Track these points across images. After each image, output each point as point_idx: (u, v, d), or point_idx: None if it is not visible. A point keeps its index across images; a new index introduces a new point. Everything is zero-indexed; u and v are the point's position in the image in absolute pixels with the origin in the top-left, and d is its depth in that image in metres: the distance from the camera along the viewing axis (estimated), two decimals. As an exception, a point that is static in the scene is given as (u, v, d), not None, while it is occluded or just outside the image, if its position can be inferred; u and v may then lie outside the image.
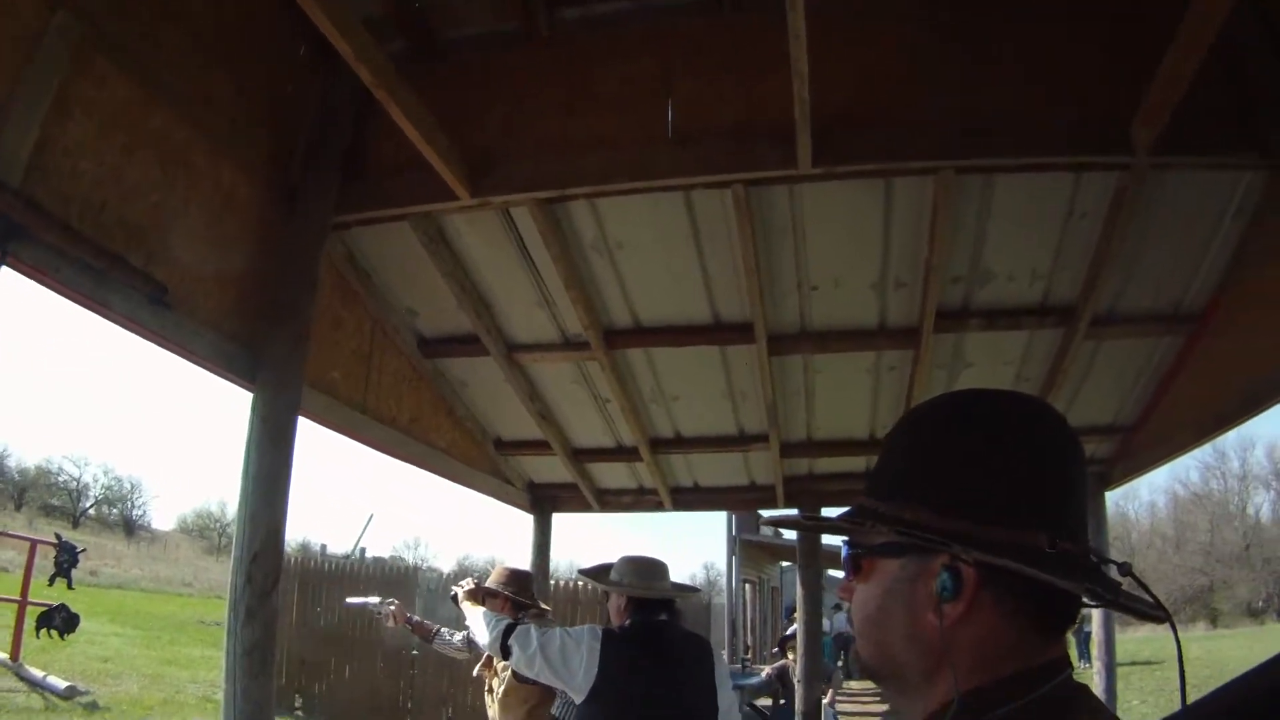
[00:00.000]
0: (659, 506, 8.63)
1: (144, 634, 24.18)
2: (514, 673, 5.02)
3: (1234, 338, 5.14)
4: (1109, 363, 5.99)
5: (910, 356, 5.75)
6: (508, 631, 4.37)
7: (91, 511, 67.97)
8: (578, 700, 4.24)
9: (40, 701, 13.95)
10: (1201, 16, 3.19)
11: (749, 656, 23.20)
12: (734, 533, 24.75)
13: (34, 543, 17.83)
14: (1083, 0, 4.08)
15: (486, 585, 5.55)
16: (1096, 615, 7.98)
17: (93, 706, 14.33)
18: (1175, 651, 1.14)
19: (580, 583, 16.36)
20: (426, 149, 3.94)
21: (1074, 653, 27.44)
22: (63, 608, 16.61)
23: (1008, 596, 1.15)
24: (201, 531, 74.14)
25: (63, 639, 16.82)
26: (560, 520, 8.97)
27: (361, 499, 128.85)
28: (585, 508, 8.79)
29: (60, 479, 66.73)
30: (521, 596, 5.56)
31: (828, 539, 1.38)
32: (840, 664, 28.05)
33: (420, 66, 4.47)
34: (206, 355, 3.99)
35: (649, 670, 4.22)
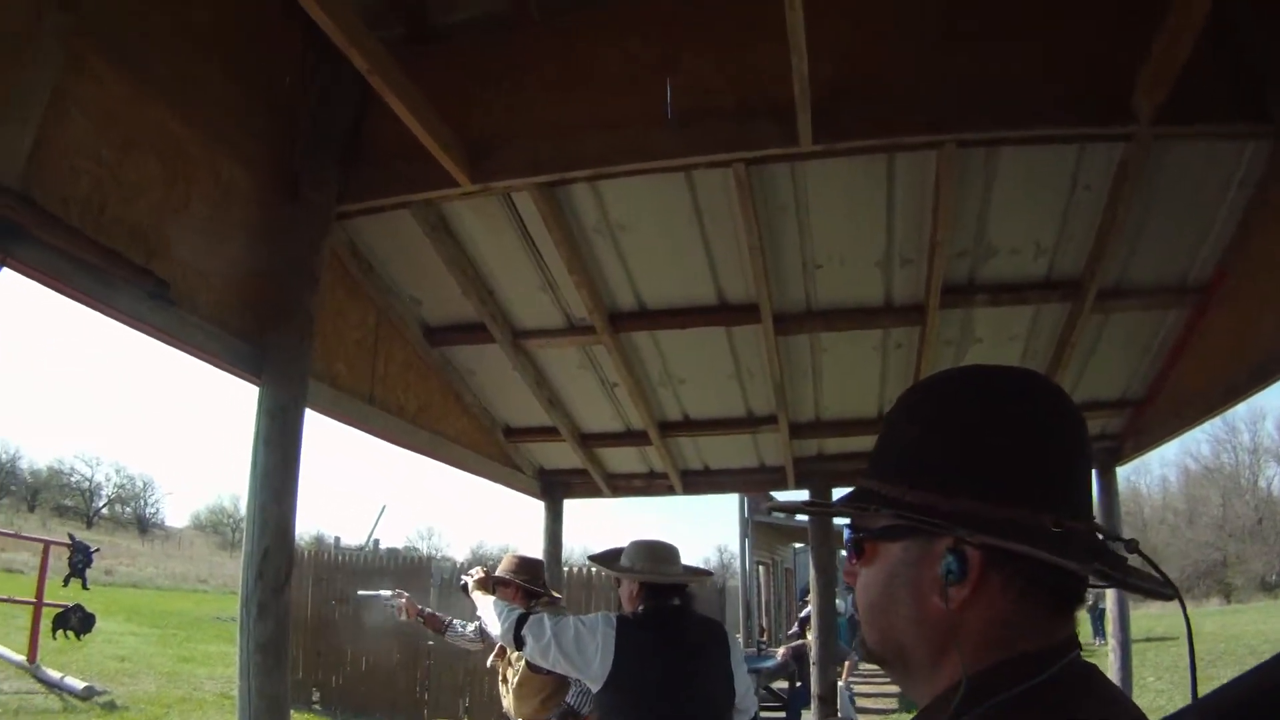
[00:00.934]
0: (670, 490, 8.62)
1: (160, 632, 24.30)
2: (528, 663, 5.00)
3: (1242, 308, 5.11)
4: (1116, 336, 5.97)
5: (917, 333, 5.72)
6: (520, 621, 4.35)
7: (105, 511, 68.35)
8: (594, 689, 4.23)
9: (59, 702, 14.02)
10: (1200, -18, 3.17)
11: (764, 639, 23.16)
12: (746, 515, 24.70)
13: (47, 544, 17.87)
14: (1084, -30, 4.03)
15: (497, 574, 5.55)
16: (1111, 592, 7.95)
17: (111, 706, 14.42)
18: (1194, 627, 1.12)
19: (594, 569, 16.38)
20: (424, 135, 3.91)
21: (1089, 630, 27.53)
22: (78, 608, 16.65)
23: (1015, 578, 1.13)
24: (215, 527, 74.47)
25: (79, 639, 16.85)
26: (572, 506, 8.97)
27: (374, 491, 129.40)
28: (596, 493, 8.79)
29: (73, 479, 67.10)
30: (533, 584, 5.55)
31: (840, 519, 1.36)
32: (855, 645, 28.08)
33: (416, 52, 4.44)
34: (211, 350, 3.97)
35: (665, 656, 4.21)
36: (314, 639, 17.60)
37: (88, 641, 17.38)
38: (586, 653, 4.15)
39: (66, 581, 18.03)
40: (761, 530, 25.94)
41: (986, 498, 1.15)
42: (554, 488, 8.88)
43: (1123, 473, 7.91)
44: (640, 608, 4.39)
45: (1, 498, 57.60)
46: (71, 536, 18.98)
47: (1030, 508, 1.14)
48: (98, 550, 19.68)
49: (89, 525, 59.57)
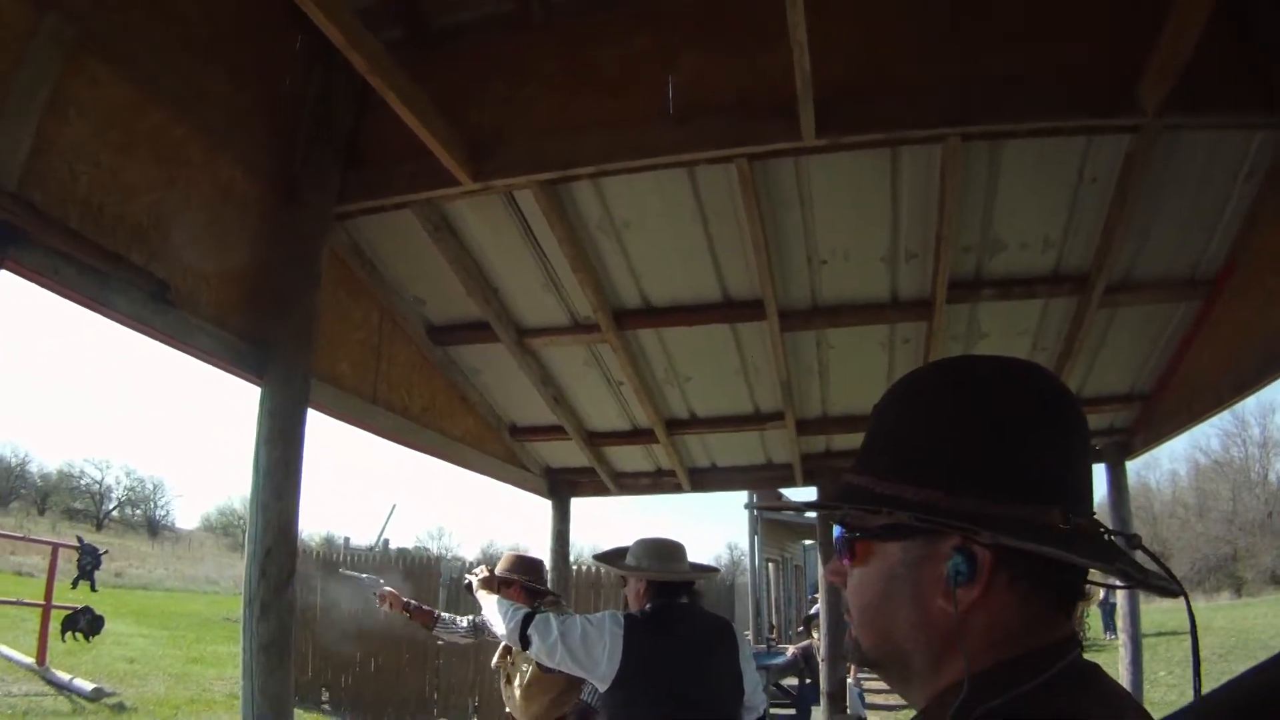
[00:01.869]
0: (677, 488, 8.61)
1: (169, 633, 24.38)
2: (538, 664, 4.97)
3: (1251, 301, 5.06)
4: (1125, 330, 5.93)
5: (924, 329, 5.69)
6: (526, 621, 4.33)
7: (115, 513, 68.68)
8: (601, 688, 4.20)
9: (68, 704, 14.07)
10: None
11: (773, 636, 23.19)
12: (754, 512, 24.73)
13: (56, 546, 17.94)
14: (1087, -41, 4.00)
15: (498, 573, 5.52)
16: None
17: (120, 707, 14.46)
18: (1205, 621, 1.11)
19: (602, 568, 16.36)
20: (425, 134, 3.91)
21: (1100, 625, 27.49)
22: (87, 610, 16.76)
23: (1023, 578, 1.11)
24: (225, 529, 74.73)
25: (88, 641, 16.98)
26: (581, 505, 8.97)
27: (384, 491, 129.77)
28: (603, 491, 8.78)
29: (83, 482, 67.41)
30: (536, 583, 5.54)
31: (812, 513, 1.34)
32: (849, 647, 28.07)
33: (417, 53, 4.45)
34: (212, 351, 3.97)
35: (673, 654, 4.18)
36: (323, 639, 17.62)
37: (97, 643, 17.51)
38: (594, 652, 4.12)
39: (75, 584, 18.15)
40: (771, 527, 26.02)
41: (992, 495, 1.11)
42: (561, 486, 8.87)
43: (1132, 467, 7.88)
44: (647, 606, 4.38)
45: (11, 501, 57.91)
46: (80, 539, 19.11)
47: (1037, 505, 1.11)
48: (106, 552, 19.79)
49: (99, 528, 59.86)
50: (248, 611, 3.98)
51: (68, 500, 64.48)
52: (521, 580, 5.48)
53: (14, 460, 62.75)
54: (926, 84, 3.98)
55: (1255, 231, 4.81)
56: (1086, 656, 1.17)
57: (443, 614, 6.17)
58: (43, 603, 16.20)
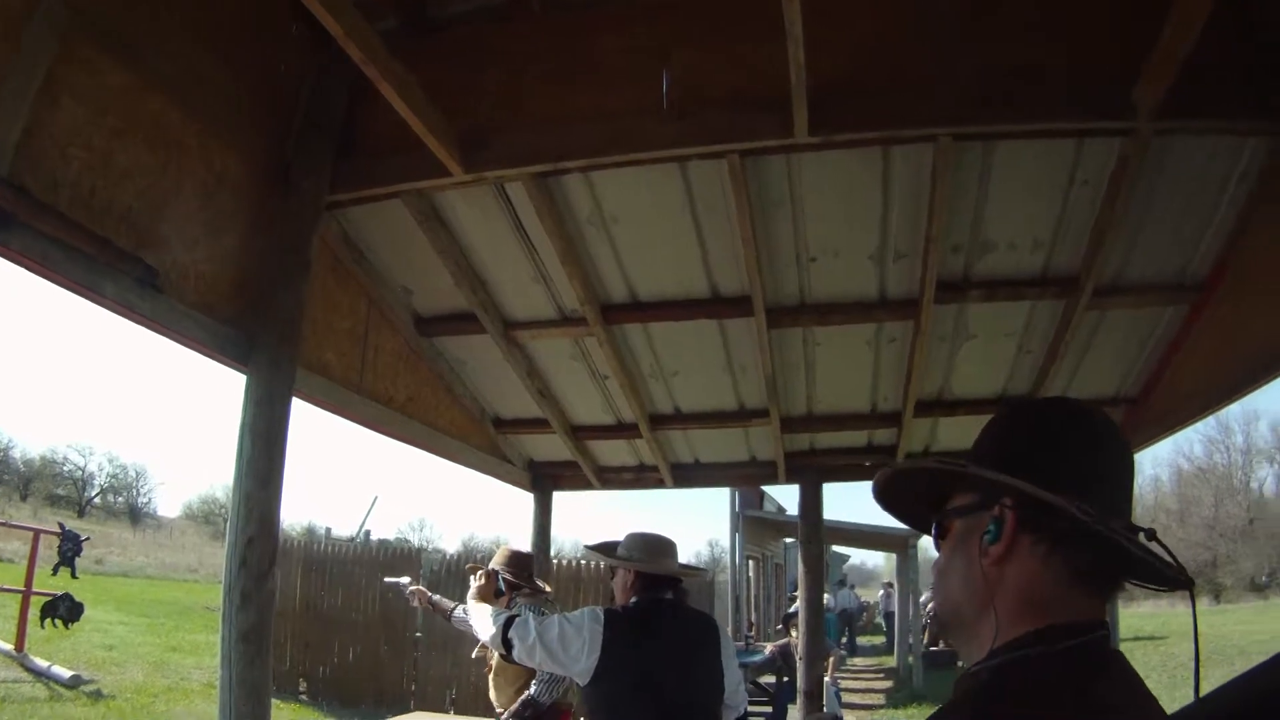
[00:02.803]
0: (660, 483, 8.64)
1: (149, 621, 24.27)
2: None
3: (1239, 307, 5.11)
4: (1112, 334, 5.97)
5: (911, 328, 5.72)
6: (507, 625, 4.35)
7: (97, 500, 68.32)
8: (581, 684, 4.22)
9: (45, 691, 14.03)
10: (1205, -26, 3.14)
11: (752, 634, 23.27)
12: (737, 509, 24.85)
13: (37, 532, 17.87)
14: (1085, -40, 4.00)
15: (490, 567, 5.57)
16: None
17: (97, 695, 14.42)
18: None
19: (583, 561, 16.45)
20: (418, 125, 3.90)
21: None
22: (67, 597, 16.69)
23: (1043, 542, 1.36)
24: (207, 517, 74.37)
25: (67, 628, 16.91)
26: (565, 500, 8.98)
27: (367, 482, 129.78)
28: (585, 485, 8.81)
29: (65, 468, 66.99)
30: (518, 578, 5.59)
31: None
32: (844, 640, 28.26)
33: (412, 42, 4.43)
34: (198, 338, 3.96)
35: (653, 650, 4.18)
36: (302, 629, 17.61)
37: (76, 630, 17.43)
38: (572, 650, 4.13)
39: (56, 570, 18.06)
40: (752, 525, 26.12)
41: (1036, 480, 1.36)
42: (543, 480, 8.89)
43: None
44: (633, 599, 4.38)
45: (-6, 487, 57.67)
46: (61, 525, 19.01)
47: (1070, 494, 1.33)
48: (87, 539, 19.71)
49: (81, 514, 59.58)
50: (227, 600, 3.97)
51: (50, 486, 64.14)
52: (507, 575, 5.54)
53: (-2, 446, 62.61)
54: (921, 83, 3.98)
55: (1245, 237, 4.84)
56: None
57: (458, 605, 6.23)
58: (22, 589, 16.13)
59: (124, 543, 50.68)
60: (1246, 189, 4.59)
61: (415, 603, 6.35)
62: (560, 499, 8.92)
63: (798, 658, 8.49)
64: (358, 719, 15.83)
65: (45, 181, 3.13)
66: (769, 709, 15.07)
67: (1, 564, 28.78)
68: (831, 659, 17.29)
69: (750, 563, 28.47)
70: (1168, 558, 1.33)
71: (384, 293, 5.64)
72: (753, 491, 23.37)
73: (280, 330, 4.27)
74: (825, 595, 10.62)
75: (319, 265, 4.69)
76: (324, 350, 5.05)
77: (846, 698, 18.14)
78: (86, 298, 3.40)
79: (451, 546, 70.45)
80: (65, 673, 14.59)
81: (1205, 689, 1.43)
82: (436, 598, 6.30)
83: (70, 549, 18.20)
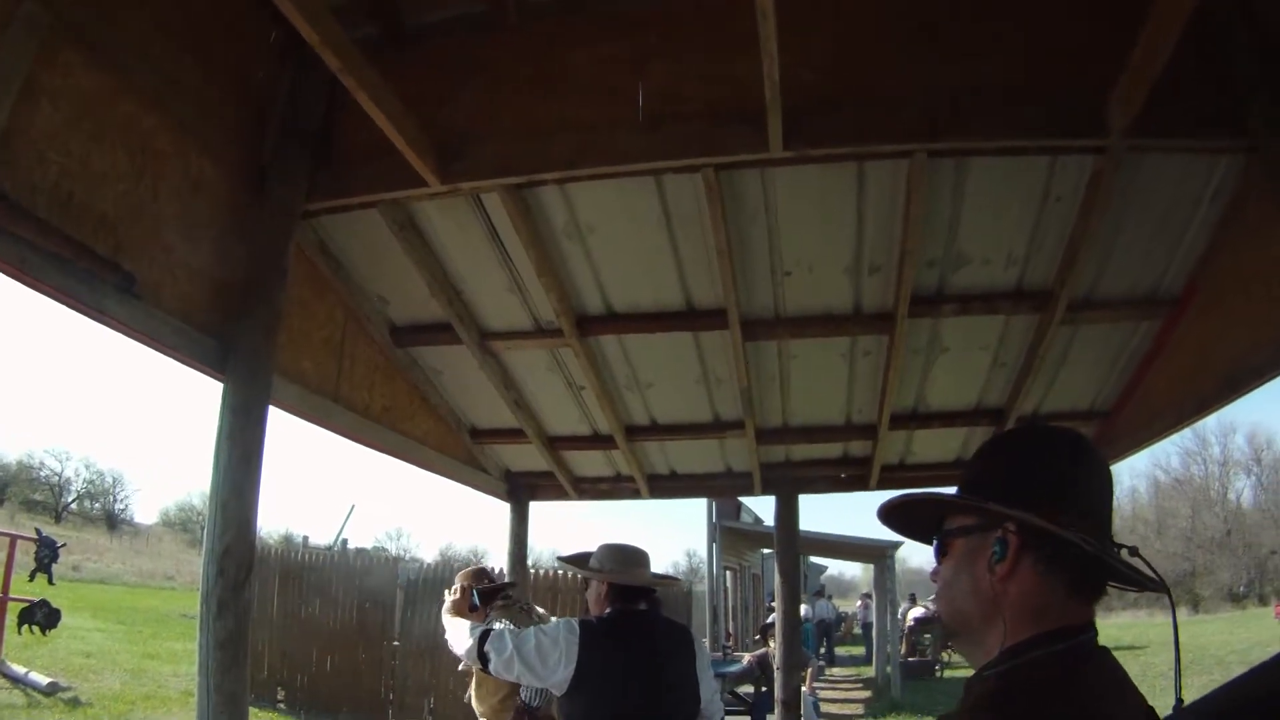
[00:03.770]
0: (636, 494, 8.65)
1: (126, 628, 24.25)
2: None
3: (1213, 321, 5.15)
4: (1086, 347, 6.02)
5: (885, 342, 5.76)
6: (482, 639, 4.38)
7: (74, 506, 68.11)
8: (558, 694, 4.26)
9: (23, 698, 14.04)
10: (1178, -7, 3.17)
11: (730, 644, 23.32)
12: (714, 520, 24.90)
13: (13, 538, 17.77)
14: (1058, -22, 4.04)
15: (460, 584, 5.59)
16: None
17: (75, 702, 14.43)
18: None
19: (560, 572, 16.41)
20: (394, 135, 3.91)
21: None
22: (44, 603, 16.65)
23: (1041, 560, 1.59)
24: (184, 524, 74.10)
25: (44, 635, 16.89)
26: (543, 511, 9.02)
27: (343, 490, 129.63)
28: (562, 495, 8.82)
29: (42, 474, 66.70)
30: (492, 590, 5.61)
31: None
32: (823, 651, 28.31)
33: (390, 51, 4.44)
34: (175, 345, 3.95)
35: (629, 660, 4.25)
36: (280, 638, 17.58)
37: (53, 637, 17.44)
38: (549, 661, 4.18)
39: (32, 576, 18.02)
40: (730, 536, 26.20)
41: (1029, 507, 1.60)
42: (520, 490, 8.89)
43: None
44: (607, 610, 4.43)
45: (-31, 493, 57.38)
46: (38, 531, 18.98)
47: (1056, 514, 1.58)
48: (64, 545, 19.67)
49: (58, 520, 59.36)
50: (204, 608, 3.98)
51: (27, 491, 63.86)
52: (471, 586, 5.55)
53: (-29, 451, 62.29)
54: (895, 99, 4.01)
55: (1218, 253, 4.89)
56: None
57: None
58: None
59: (101, 549, 50.54)
60: (1219, 207, 4.63)
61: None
62: (538, 510, 8.95)
63: (775, 668, 8.50)
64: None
65: (23, 185, 3.14)
66: (746, 718, 15.14)
67: (-23, 571, 28.68)
68: (809, 669, 17.38)
69: (728, 573, 28.50)
70: (1149, 572, 1.65)
71: (360, 302, 5.64)
72: (729, 503, 23.45)
73: (257, 339, 4.28)
74: (803, 606, 10.70)
75: (296, 274, 4.70)
76: (301, 359, 5.06)
77: (825, 708, 18.19)
78: (64, 303, 3.40)
79: (429, 556, 70.35)
80: (43, 680, 14.60)
81: (1185, 696, 1.58)
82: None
83: (47, 555, 18.18)
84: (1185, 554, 54.73)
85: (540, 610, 6.72)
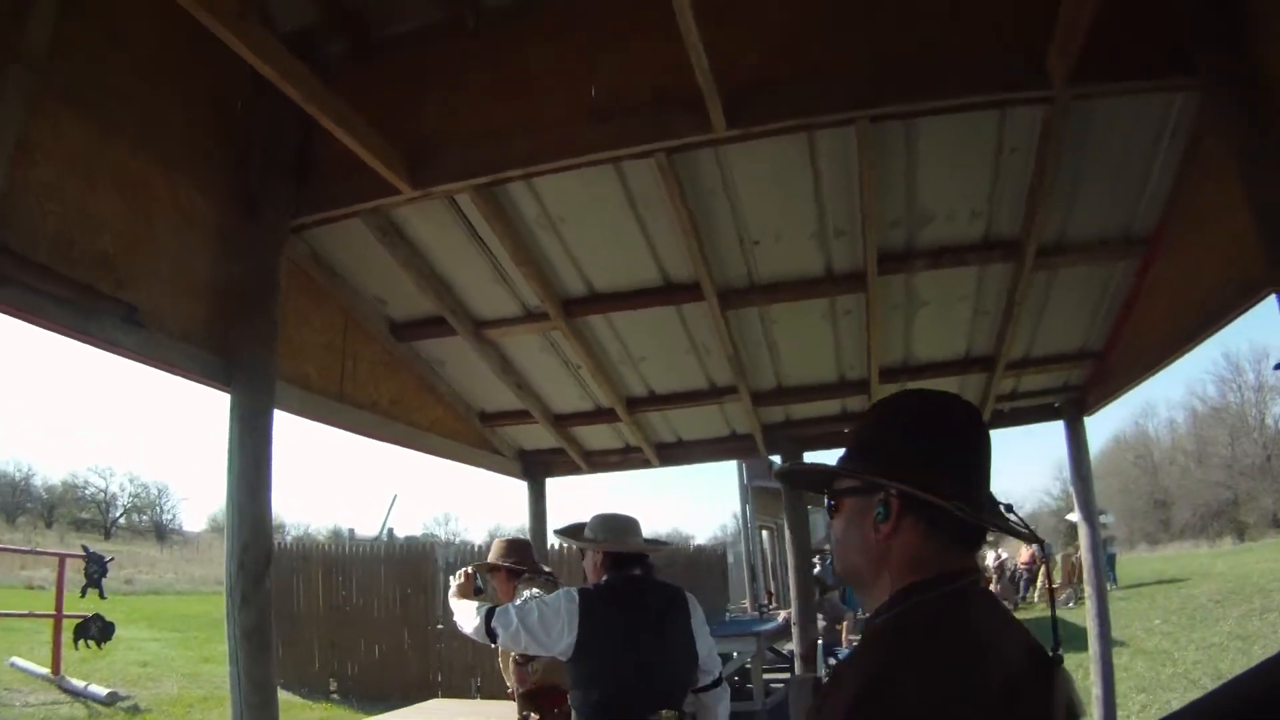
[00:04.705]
0: (646, 463, 8.86)
1: (180, 635, 24.55)
2: None
3: (1186, 257, 5.24)
4: (1067, 291, 6.11)
5: (862, 300, 5.87)
6: (488, 616, 4.62)
7: (122, 520, 68.56)
8: (564, 660, 4.49)
9: (84, 710, 14.36)
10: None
11: (768, 602, 23.43)
12: (745, 481, 25.00)
13: (62, 557, 18.22)
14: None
15: (489, 561, 5.81)
16: (1083, 543, 8.17)
17: (135, 710, 14.75)
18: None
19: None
20: (364, 152, 4.10)
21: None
22: (97, 617, 16.99)
23: (922, 519, 1.78)
24: (233, 528, 74.58)
25: (100, 648, 17.21)
26: (568, 484, 9.16)
27: (387, 480, 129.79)
28: (575, 470, 9.05)
29: (88, 492, 67.23)
30: (520, 564, 5.81)
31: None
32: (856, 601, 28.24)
33: (357, 65, 4.64)
34: (182, 365, 4.17)
35: (627, 623, 4.47)
36: (328, 629, 17.90)
37: (109, 649, 17.72)
38: (552, 630, 4.42)
39: (84, 592, 18.33)
40: (763, 496, 26.19)
41: (910, 471, 1.78)
42: (535, 467, 9.11)
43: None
44: (604, 578, 4.67)
45: (18, 516, 57.82)
46: (85, 548, 19.29)
47: (936, 477, 1.76)
48: (112, 559, 19.97)
49: (107, 536, 59.81)
50: (229, 602, 4.23)
51: (74, 511, 64.32)
52: (506, 565, 5.77)
53: (18, 475, 62.71)
54: (833, 70, 4.10)
55: (1184, 190, 4.94)
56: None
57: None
58: (53, 613, 16.41)
59: (151, 560, 50.90)
60: (1179, 146, 4.67)
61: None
62: (576, 485, 9.17)
63: (792, 624, 8.64)
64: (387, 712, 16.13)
65: (25, 237, 3.32)
66: (788, 674, 15.28)
67: (32, 591, 29.15)
68: (846, 622, 17.48)
69: (764, 533, 28.59)
70: (1022, 528, 1.87)
71: (358, 304, 5.83)
72: (760, 463, 23.52)
73: (257, 350, 4.48)
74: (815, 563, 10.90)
75: (292, 285, 4.91)
76: (304, 364, 5.26)
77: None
78: (76, 339, 3.61)
79: (478, 538, 70.63)
80: (102, 691, 14.91)
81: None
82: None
83: (96, 571, 18.48)
84: (1227, 482, 54.32)
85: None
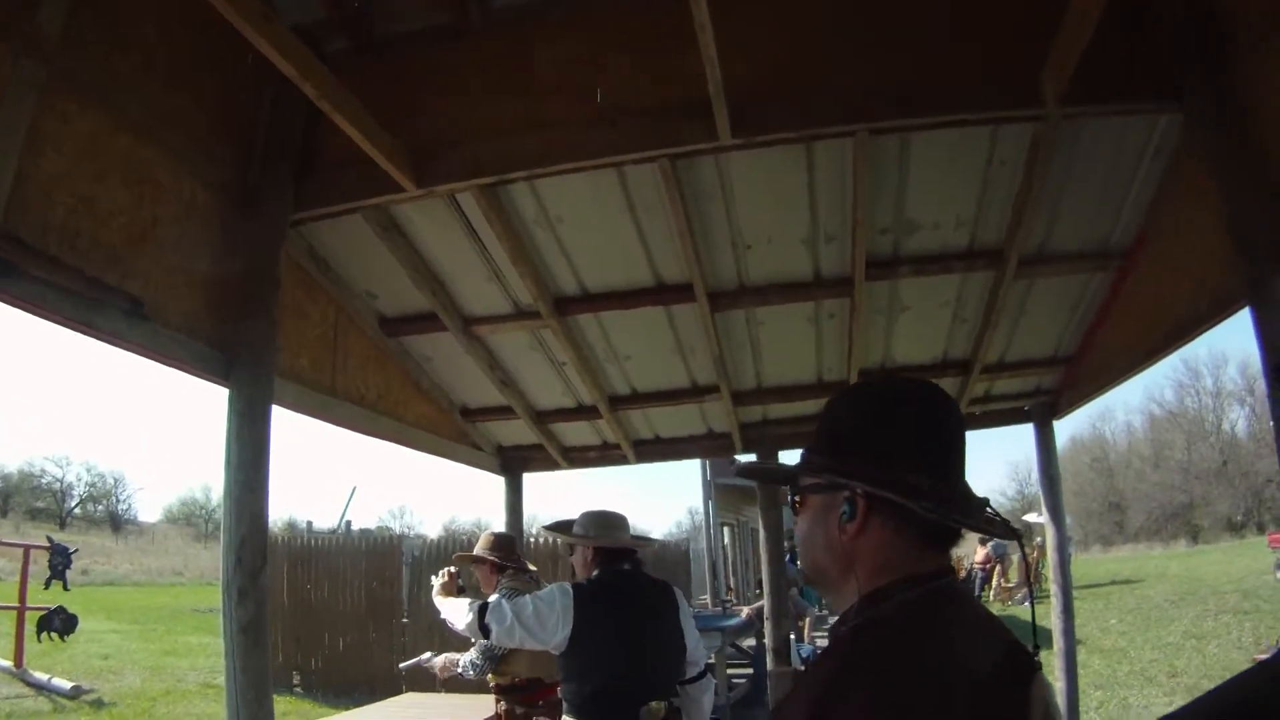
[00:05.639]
0: (623, 460, 8.92)
1: (140, 627, 24.44)
2: None
3: (1160, 271, 5.35)
4: (1044, 299, 6.24)
5: (847, 304, 5.97)
6: (481, 612, 4.73)
7: (77, 510, 67.93)
8: (558, 653, 4.59)
9: (48, 704, 14.29)
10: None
11: (729, 599, 23.58)
12: (709, 477, 25.13)
13: (27, 548, 18.03)
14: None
15: (474, 553, 5.89)
16: (1050, 542, 8.32)
17: (99, 703, 14.69)
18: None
19: (560, 540, 16.37)
20: (371, 149, 4.14)
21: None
22: (60, 610, 16.85)
23: (890, 518, 1.69)
24: (188, 519, 74.12)
25: (63, 640, 17.08)
26: (542, 481, 9.25)
27: (344, 472, 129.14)
28: (553, 466, 9.07)
29: (44, 481, 66.48)
30: (507, 560, 5.90)
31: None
32: (824, 600, 28.42)
33: (362, 63, 4.65)
34: (183, 359, 4.18)
35: (619, 616, 4.59)
36: (292, 623, 17.85)
37: (72, 642, 17.61)
38: (548, 625, 4.53)
39: (48, 584, 18.15)
40: (725, 492, 26.36)
41: (878, 464, 1.70)
42: (513, 463, 9.16)
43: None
44: (595, 573, 4.78)
45: (-28, 505, 57.27)
46: (50, 539, 19.09)
47: (901, 471, 1.68)
48: (76, 551, 19.80)
49: (62, 526, 59.26)
50: (226, 597, 4.22)
51: (30, 500, 63.67)
52: (493, 558, 5.85)
53: (-29, 464, 62.17)
54: (836, 84, 4.21)
55: (1162, 207, 5.09)
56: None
57: (459, 659, 6.29)
58: (17, 605, 16.31)
59: (108, 551, 50.43)
60: (1162, 163, 4.82)
61: (441, 674, 6.57)
62: (539, 480, 9.22)
63: (765, 618, 8.76)
64: (352, 706, 16.10)
65: (35, 228, 3.33)
66: (750, 670, 15.46)
67: (-7, 583, 28.82)
68: (808, 619, 17.66)
69: (725, 530, 28.77)
70: (999, 524, 1.77)
71: (350, 298, 5.86)
72: (724, 460, 23.71)
73: (256, 345, 4.49)
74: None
75: (289, 279, 4.93)
76: (298, 358, 5.29)
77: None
78: (80, 331, 3.61)
79: (433, 532, 70.53)
80: (66, 684, 14.85)
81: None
82: (451, 659, 6.49)
83: (60, 562, 18.32)
84: (1183, 486, 55.02)
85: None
